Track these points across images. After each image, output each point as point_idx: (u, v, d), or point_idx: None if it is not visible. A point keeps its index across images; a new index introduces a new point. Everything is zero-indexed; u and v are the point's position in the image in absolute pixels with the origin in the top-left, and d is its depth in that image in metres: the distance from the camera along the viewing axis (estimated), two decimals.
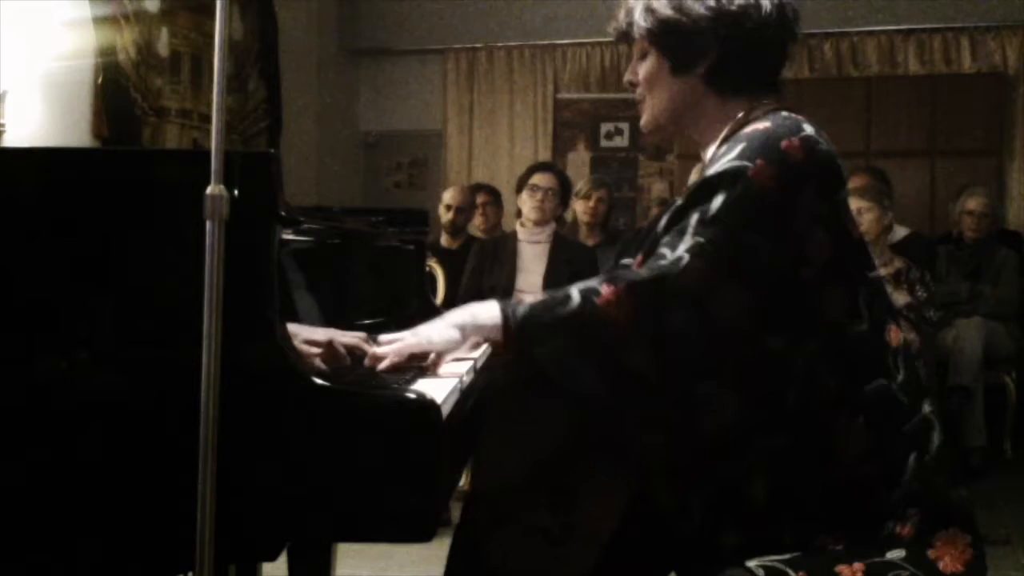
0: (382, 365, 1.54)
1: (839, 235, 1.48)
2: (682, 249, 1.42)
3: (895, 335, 1.50)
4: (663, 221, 1.52)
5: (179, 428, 1.31)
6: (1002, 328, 4.94)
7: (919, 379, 1.52)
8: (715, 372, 1.45)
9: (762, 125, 1.50)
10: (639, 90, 1.64)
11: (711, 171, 1.47)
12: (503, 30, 6.72)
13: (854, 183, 4.69)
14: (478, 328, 1.51)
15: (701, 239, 1.42)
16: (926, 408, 1.49)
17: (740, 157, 1.45)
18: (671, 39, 1.57)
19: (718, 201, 1.43)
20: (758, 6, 1.55)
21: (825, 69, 6.36)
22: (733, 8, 1.54)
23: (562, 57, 6.75)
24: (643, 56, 1.62)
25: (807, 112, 1.56)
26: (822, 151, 1.48)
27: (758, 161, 1.44)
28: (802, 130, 1.48)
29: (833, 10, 6.21)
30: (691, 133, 1.64)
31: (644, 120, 1.66)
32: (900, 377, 1.48)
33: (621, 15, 1.64)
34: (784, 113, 1.53)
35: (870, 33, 6.33)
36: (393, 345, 1.56)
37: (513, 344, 1.47)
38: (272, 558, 1.38)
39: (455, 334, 1.53)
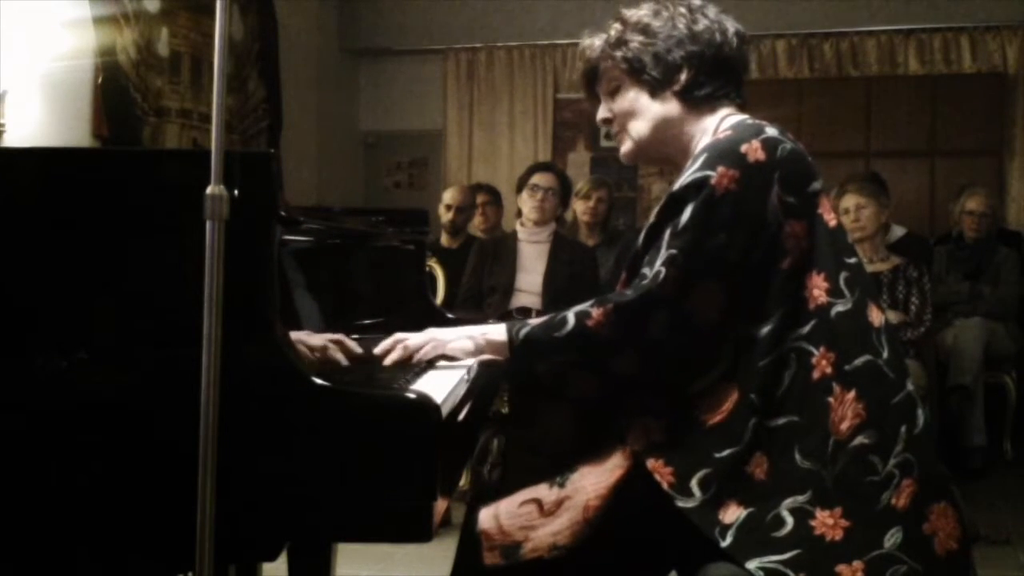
0: (389, 359, 1.67)
1: (815, 225, 1.54)
2: (658, 264, 1.51)
3: (876, 315, 1.56)
4: (640, 239, 1.60)
5: (179, 428, 1.31)
6: (1002, 328, 4.93)
7: (902, 358, 1.58)
8: (711, 368, 1.51)
9: (724, 135, 1.56)
10: (615, 125, 1.71)
11: (677, 185, 1.54)
12: (503, 30, 6.71)
13: (851, 184, 4.71)
14: (489, 343, 1.65)
15: (674, 251, 1.50)
16: (909, 386, 1.55)
17: (703, 167, 1.52)
18: (646, 63, 1.64)
19: (687, 213, 1.51)
20: (722, 29, 1.64)
21: (825, 69, 6.35)
22: (699, 27, 1.63)
23: (562, 57, 6.74)
24: (613, 92, 1.70)
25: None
26: (786, 149, 1.54)
27: (719, 168, 1.51)
28: (763, 133, 1.54)
29: (833, 10, 6.21)
30: (671, 154, 1.70)
31: (625, 149, 1.72)
32: (885, 354, 1.54)
33: (588, 53, 1.72)
34: (748, 121, 1.60)
35: (870, 33, 6.32)
36: (406, 342, 1.68)
37: (515, 361, 1.61)
38: (272, 558, 1.38)
39: (468, 344, 1.67)
